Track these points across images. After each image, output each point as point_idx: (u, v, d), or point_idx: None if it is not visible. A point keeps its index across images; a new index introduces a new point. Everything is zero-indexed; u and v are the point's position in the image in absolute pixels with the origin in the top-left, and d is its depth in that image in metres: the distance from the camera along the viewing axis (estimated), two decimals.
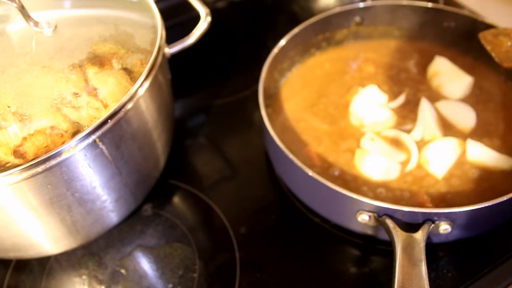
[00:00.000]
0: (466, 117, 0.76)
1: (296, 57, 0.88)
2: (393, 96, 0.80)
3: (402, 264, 0.54)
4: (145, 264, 0.69)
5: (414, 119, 0.76)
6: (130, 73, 0.61)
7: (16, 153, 0.53)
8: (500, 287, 0.62)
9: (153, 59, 0.61)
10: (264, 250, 0.69)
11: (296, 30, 0.83)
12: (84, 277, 0.68)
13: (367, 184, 0.69)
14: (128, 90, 0.57)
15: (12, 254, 0.67)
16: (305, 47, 0.88)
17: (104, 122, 0.54)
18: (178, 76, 0.77)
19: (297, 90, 0.84)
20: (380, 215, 0.60)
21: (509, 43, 0.70)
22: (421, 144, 0.73)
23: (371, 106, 0.77)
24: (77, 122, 0.56)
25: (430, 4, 0.86)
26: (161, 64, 0.64)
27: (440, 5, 0.87)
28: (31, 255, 0.67)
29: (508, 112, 0.77)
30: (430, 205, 0.66)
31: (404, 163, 0.71)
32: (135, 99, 0.57)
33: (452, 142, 0.72)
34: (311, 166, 0.70)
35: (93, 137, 0.53)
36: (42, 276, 0.69)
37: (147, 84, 0.59)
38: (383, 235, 0.62)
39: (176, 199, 0.77)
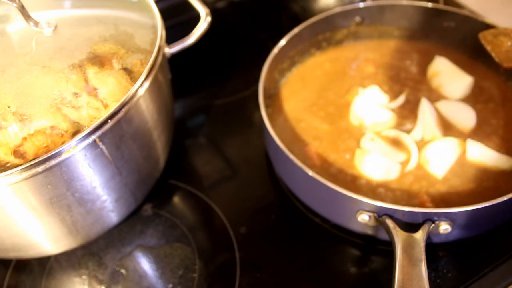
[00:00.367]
0: (466, 117, 0.76)
1: (296, 57, 0.88)
2: (393, 96, 0.80)
3: (402, 264, 0.54)
4: (145, 264, 0.69)
5: (414, 119, 0.76)
6: (130, 73, 0.61)
7: (16, 153, 0.53)
8: (500, 287, 0.62)
9: (153, 59, 0.61)
10: (264, 250, 0.69)
11: (296, 30, 0.83)
12: (84, 277, 0.68)
13: (367, 184, 0.69)
14: (128, 90, 0.57)
15: (12, 254, 0.67)
16: (305, 47, 0.88)
17: (104, 122, 0.54)
18: (178, 76, 0.77)
19: (297, 90, 0.84)
20: (380, 215, 0.60)
21: (509, 43, 0.70)
22: (421, 144, 0.73)
23: (372, 106, 0.77)
24: (77, 122, 0.56)
25: (430, 4, 0.86)
26: (161, 64, 0.64)
27: (440, 5, 0.87)
28: (31, 255, 0.67)
29: (508, 112, 0.77)
30: (430, 205, 0.66)
31: (404, 163, 0.71)
32: (135, 99, 0.57)
33: (452, 142, 0.72)
34: (311, 166, 0.70)
35: (93, 137, 0.53)
36: (42, 276, 0.69)
37: (147, 84, 0.59)
38: (383, 235, 0.62)
39: (176, 199, 0.77)
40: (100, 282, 0.67)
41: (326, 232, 0.70)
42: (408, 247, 0.56)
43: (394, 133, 0.74)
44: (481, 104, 0.78)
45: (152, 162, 0.70)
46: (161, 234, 0.72)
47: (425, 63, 0.85)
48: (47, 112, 0.55)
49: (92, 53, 0.61)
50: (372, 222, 0.62)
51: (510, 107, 0.77)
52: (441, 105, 0.78)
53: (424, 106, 0.77)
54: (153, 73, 0.61)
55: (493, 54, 0.70)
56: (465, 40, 0.84)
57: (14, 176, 0.50)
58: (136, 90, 0.58)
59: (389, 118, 0.76)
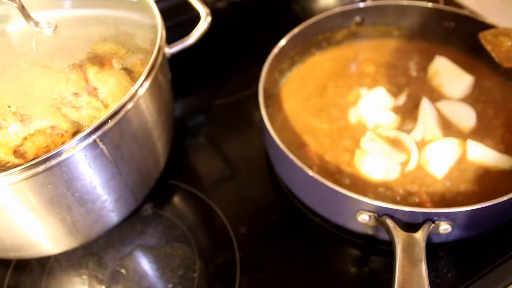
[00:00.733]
0: (466, 117, 0.76)
1: (296, 57, 0.88)
2: (394, 96, 0.80)
3: (402, 264, 0.54)
4: (145, 264, 0.69)
5: (414, 119, 0.76)
6: (130, 73, 0.61)
7: (16, 153, 0.53)
8: (500, 287, 0.62)
9: (153, 59, 0.61)
10: (264, 250, 0.69)
11: (296, 30, 0.83)
12: (84, 277, 0.68)
13: (367, 184, 0.69)
14: (128, 90, 0.57)
15: (12, 254, 0.67)
16: (305, 47, 0.88)
17: (105, 122, 0.54)
18: (178, 76, 0.77)
19: (297, 90, 0.84)
20: (380, 215, 0.60)
21: (509, 43, 0.70)
22: (421, 145, 0.73)
23: (377, 108, 0.77)
24: (77, 122, 0.56)
25: (430, 4, 0.86)
26: (161, 64, 0.64)
27: (440, 5, 0.87)
28: (31, 255, 0.67)
29: (508, 112, 0.77)
30: (430, 205, 0.66)
31: (404, 164, 0.71)
32: (135, 99, 0.57)
33: (453, 142, 0.72)
34: (311, 166, 0.71)
35: (93, 137, 0.53)
36: (42, 276, 0.69)
37: (147, 84, 0.59)
38: (383, 235, 0.62)
39: (176, 199, 0.77)
40: (100, 282, 0.67)
41: (326, 232, 0.70)
42: (408, 247, 0.56)
43: (394, 133, 0.74)
44: (481, 104, 0.78)
45: (152, 162, 0.70)
46: (161, 234, 0.72)
47: (425, 63, 0.85)
48: (47, 112, 0.55)
49: (92, 53, 0.61)
50: (372, 222, 0.62)
51: (510, 107, 0.77)
52: (441, 105, 0.78)
53: (425, 106, 0.77)
54: (153, 73, 0.61)
55: (493, 54, 0.70)
56: (465, 40, 0.84)
57: (14, 176, 0.50)
58: (136, 90, 0.58)
59: (392, 120, 0.76)
